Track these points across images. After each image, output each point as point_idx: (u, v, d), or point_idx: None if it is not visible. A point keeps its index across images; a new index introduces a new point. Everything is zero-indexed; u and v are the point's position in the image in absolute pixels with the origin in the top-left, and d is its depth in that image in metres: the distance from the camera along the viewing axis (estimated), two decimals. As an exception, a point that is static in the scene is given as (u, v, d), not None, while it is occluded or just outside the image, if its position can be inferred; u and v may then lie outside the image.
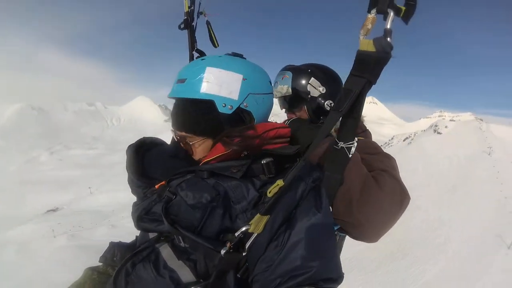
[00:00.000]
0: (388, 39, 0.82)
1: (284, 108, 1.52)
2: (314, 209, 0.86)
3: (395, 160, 1.15)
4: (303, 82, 1.40)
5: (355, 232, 1.03)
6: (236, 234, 0.82)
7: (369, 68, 0.84)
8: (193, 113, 0.95)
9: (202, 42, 1.45)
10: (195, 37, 1.43)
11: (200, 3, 1.40)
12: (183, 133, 0.98)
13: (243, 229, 0.81)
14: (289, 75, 1.42)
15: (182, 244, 0.89)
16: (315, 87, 1.39)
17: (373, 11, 0.84)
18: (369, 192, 0.99)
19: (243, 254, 0.82)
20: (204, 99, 0.93)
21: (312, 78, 1.39)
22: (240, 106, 0.95)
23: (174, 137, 1.08)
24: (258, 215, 0.81)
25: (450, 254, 32.67)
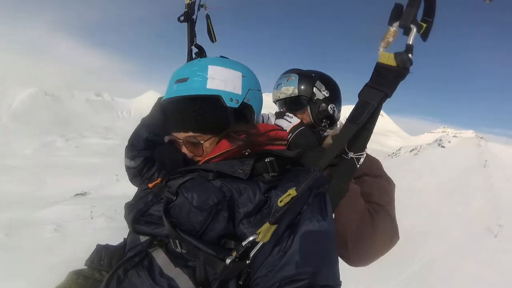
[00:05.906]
0: (410, 55, 0.81)
1: (284, 109, 1.47)
2: (319, 216, 0.84)
3: (394, 186, 1.20)
4: (309, 84, 1.41)
5: (345, 260, 1.07)
6: (244, 243, 0.78)
7: (388, 82, 0.84)
8: (201, 110, 0.92)
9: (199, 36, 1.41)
10: (195, 31, 1.41)
11: None
12: (190, 134, 0.95)
13: (251, 238, 0.77)
14: (294, 77, 1.43)
15: (178, 249, 0.84)
16: (320, 90, 1.40)
17: (395, 24, 0.82)
18: (364, 233, 1.03)
19: (247, 262, 0.79)
20: (211, 95, 0.92)
21: (318, 81, 1.41)
22: (244, 100, 0.97)
23: (167, 142, 1.08)
24: (267, 224, 0.77)
25: (448, 240, 43.72)
